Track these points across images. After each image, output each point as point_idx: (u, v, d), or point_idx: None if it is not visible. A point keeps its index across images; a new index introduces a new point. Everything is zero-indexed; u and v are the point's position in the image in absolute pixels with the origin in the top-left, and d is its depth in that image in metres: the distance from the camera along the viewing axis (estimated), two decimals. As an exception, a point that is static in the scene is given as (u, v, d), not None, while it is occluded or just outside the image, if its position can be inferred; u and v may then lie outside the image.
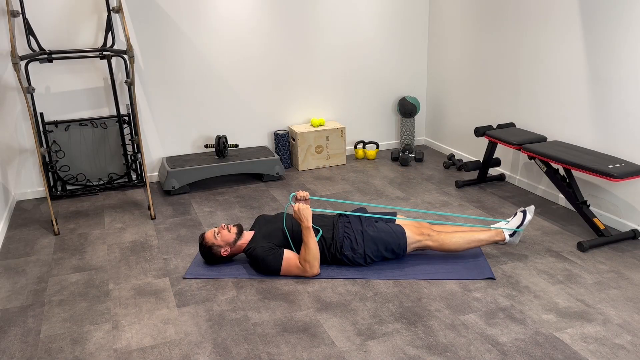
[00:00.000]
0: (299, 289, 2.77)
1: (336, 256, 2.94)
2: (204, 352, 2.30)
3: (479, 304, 2.60)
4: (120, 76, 4.25)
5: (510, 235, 3.02)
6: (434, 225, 3.16)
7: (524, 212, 3.04)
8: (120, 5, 3.83)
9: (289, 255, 2.87)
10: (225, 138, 4.42)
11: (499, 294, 2.68)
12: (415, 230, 3.01)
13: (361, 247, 2.92)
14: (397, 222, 3.11)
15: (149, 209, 3.79)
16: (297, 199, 3.11)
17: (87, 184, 4.32)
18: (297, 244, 2.96)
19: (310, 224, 2.81)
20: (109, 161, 4.34)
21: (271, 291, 2.76)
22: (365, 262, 2.96)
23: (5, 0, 3.56)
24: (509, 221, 3.11)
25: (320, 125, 4.82)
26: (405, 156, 4.77)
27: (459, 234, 3.01)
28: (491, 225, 3.21)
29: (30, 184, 4.24)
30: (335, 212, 3.20)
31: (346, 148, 5.18)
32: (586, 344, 2.28)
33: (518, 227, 3.02)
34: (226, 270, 2.97)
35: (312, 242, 2.81)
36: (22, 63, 3.90)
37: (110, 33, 4.08)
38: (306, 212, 2.80)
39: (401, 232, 2.96)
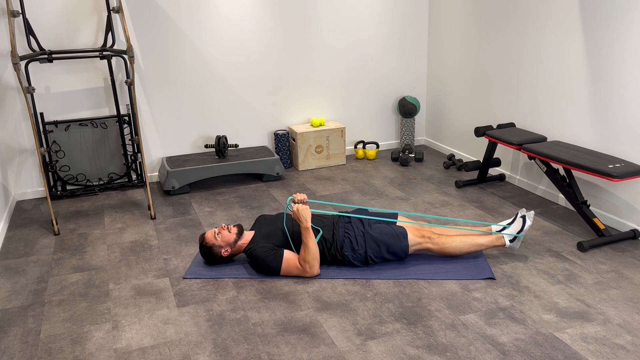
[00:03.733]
0: (299, 289, 2.77)
1: (336, 257, 2.94)
2: (204, 352, 2.30)
3: (479, 304, 2.60)
4: (120, 76, 4.25)
5: (511, 241, 3.01)
6: (435, 228, 3.16)
7: (524, 218, 3.01)
8: (120, 5, 3.83)
9: (288, 255, 2.87)
10: (225, 138, 4.42)
11: (499, 294, 2.68)
12: (416, 233, 3.01)
13: (362, 247, 2.92)
14: (398, 224, 3.11)
15: (149, 209, 3.79)
16: (295, 202, 3.10)
17: (87, 184, 4.32)
18: (297, 244, 2.95)
19: (310, 225, 2.81)
20: (109, 161, 4.34)
21: (271, 291, 2.76)
22: (365, 263, 2.96)
23: (5, 0, 3.56)
24: (509, 225, 3.12)
25: (320, 125, 4.82)
26: (405, 156, 4.77)
27: (459, 238, 3.00)
28: (492, 227, 3.21)
29: (30, 184, 4.24)
30: (334, 213, 3.20)
31: (346, 148, 5.18)
32: (586, 344, 2.28)
33: (518, 232, 3.01)
34: (226, 270, 2.97)
35: (311, 243, 2.81)
36: (22, 63, 3.90)
37: (110, 33, 4.08)
38: (305, 213, 2.80)
39: (403, 233, 2.96)
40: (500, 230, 3.17)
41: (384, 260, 3.00)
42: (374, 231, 2.96)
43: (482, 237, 3.01)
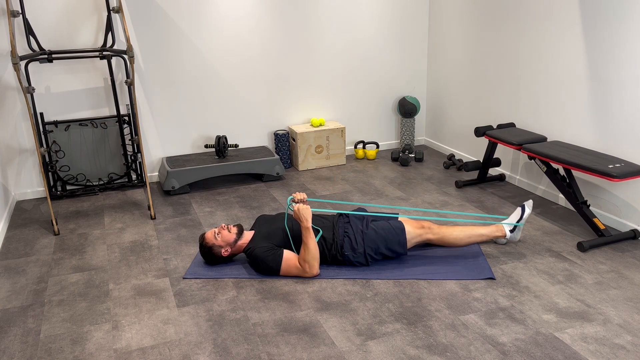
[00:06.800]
0: (299, 289, 2.77)
1: (336, 257, 2.94)
2: (204, 352, 2.30)
3: (479, 304, 2.60)
4: (120, 76, 4.25)
5: (511, 231, 3.02)
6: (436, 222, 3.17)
7: (523, 207, 3.06)
8: (120, 5, 3.83)
9: (288, 255, 2.87)
10: (225, 138, 4.42)
11: (499, 294, 2.68)
12: (415, 224, 3.03)
13: (361, 246, 2.92)
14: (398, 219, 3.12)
15: (149, 209, 3.79)
16: (295, 201, 3.11)
17: (87, 184, 4.32)
18: (298, 244, 2.96)
19: (310, 225, 2.80)
20: (109, 161, 4.34)
21: (271, 291, 2.76)
22: (366, 262, 2.95)
23: (5, 0, 3.56)
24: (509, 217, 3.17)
25: (320, 125, 4.82)
26: (405, 156, 4.77)
27: (459, 228, 3.05)
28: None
29: (30, 184, 4.24)
30: (335, 211, 3.19)
31: (346, 148, 5.18)
32: (586, 344, 2.28)
33: (517, 221, 3.02)
34: (226, 270, 2.97)
35: (311, 243, 2.81)
36: (22, 63, 3.90)
37: (110, 33, 4.08)
38: (306, 212, 2.80)
39: (400, 227, 2.96)
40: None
41: (384, 258, 3.00)
42: (371, 228, 2.96)
43: (483, 227, 3.03)
